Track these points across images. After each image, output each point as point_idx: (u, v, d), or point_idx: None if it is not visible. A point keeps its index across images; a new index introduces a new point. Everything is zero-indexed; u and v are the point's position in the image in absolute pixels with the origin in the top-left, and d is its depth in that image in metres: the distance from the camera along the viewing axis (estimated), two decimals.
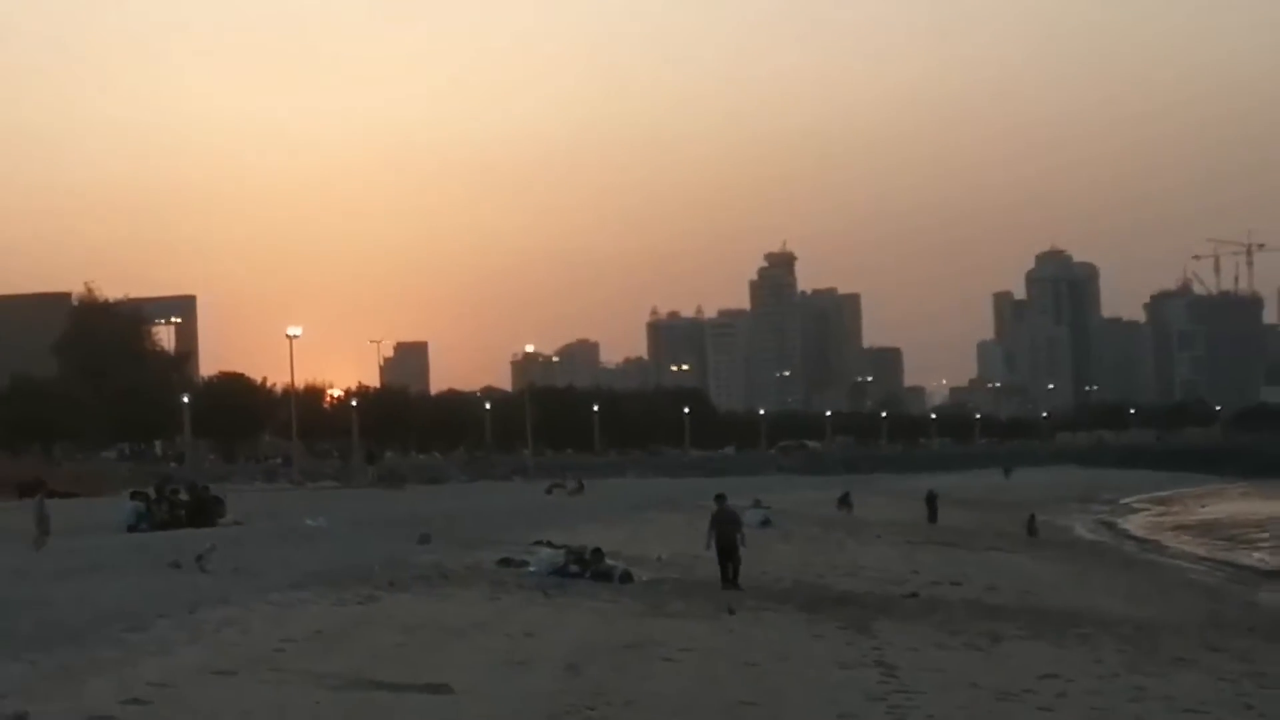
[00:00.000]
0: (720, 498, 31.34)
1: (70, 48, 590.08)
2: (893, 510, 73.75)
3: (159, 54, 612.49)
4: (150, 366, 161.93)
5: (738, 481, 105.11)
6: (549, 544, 33.83)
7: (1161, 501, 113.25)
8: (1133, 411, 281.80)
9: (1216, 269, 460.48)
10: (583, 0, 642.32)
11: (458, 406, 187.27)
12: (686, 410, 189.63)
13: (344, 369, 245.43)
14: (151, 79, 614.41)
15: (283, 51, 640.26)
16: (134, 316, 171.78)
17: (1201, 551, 61.73)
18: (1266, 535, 69.13)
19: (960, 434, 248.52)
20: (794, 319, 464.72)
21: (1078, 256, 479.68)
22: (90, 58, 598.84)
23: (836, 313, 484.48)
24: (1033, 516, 67.86)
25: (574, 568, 28.75)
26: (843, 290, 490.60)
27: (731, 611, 23.98)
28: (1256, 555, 58.39)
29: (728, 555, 29.35)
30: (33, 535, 33.34)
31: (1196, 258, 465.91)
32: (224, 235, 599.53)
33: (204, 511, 44.91)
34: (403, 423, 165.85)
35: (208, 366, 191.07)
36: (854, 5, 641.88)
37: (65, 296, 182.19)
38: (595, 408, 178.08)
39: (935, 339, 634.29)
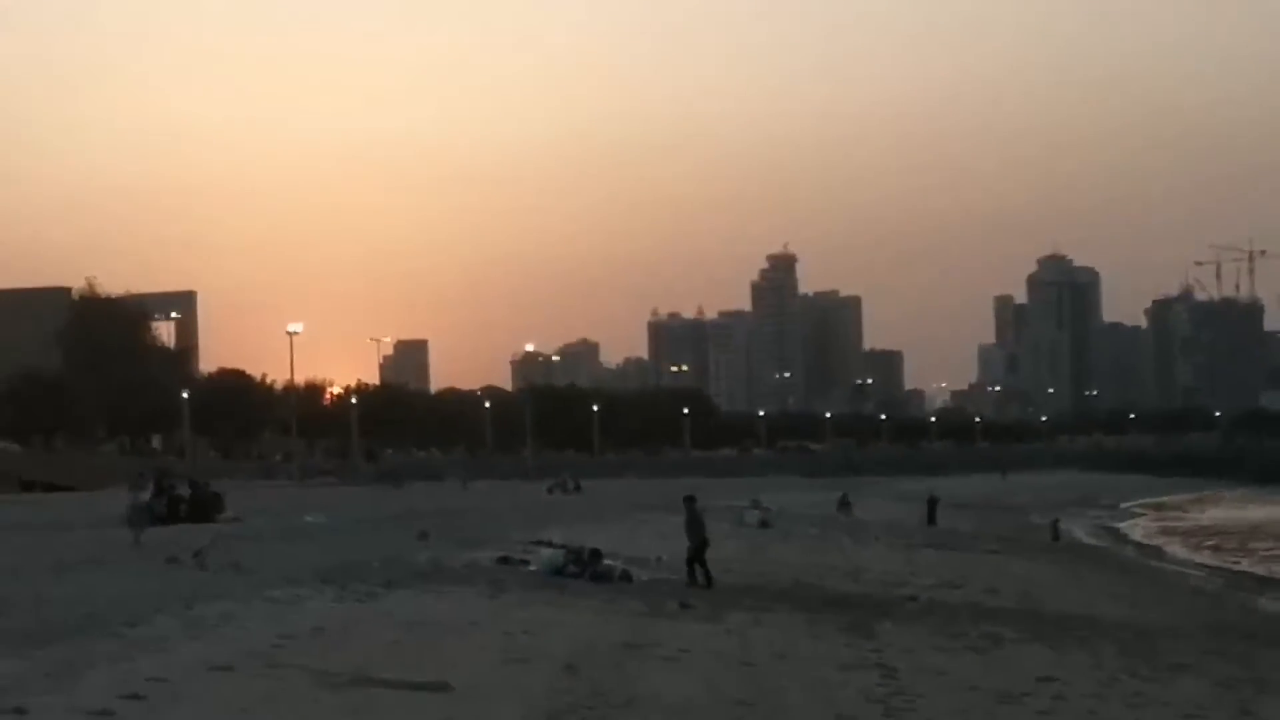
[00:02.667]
0: (690, 500, 30.83)
1: (72, 45, 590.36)
2: (892, 512, 73.71)
3: (162, 52, 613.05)
4: (150, 362, 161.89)
5: (737, 483, 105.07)
6: (549, 544, 33.84)
7: (1161, 506, 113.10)
8: (1133, 416, 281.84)
9: (1218, 275, 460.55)
10: (584, 7, 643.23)
11: (457, 405, 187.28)
12: (686, 411, 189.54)
13: (344, 366, 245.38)
14: (155, 78, 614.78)
15: (286, 53, 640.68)
16: (135, 312, 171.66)
17: (1201, 557, 61.64)
18: (1266, 541, 69.05)
19: (960, 437, 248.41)
20: (795, 321, 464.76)
21: (1079, 261, 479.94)
22: (93, 55, 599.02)
23: (837, 315, 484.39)
24: (1056, 522, 67.94)
25: (573, 568, 28.74)
26: (844, 292, 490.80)
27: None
28: (1256, 561, 58.31)
29: (698, 556, 29.27)
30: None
31: (1198, 263, 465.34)
32: (226, 231, 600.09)
33: (203, 508, 44.92)
34: (402, 421, 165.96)
35: (208, 362, 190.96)
36: (856, 9, 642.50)
37: (66, 291, 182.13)
38: (595, 408, 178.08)
39: (936, 342, 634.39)
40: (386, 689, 14.49)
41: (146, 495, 35.35)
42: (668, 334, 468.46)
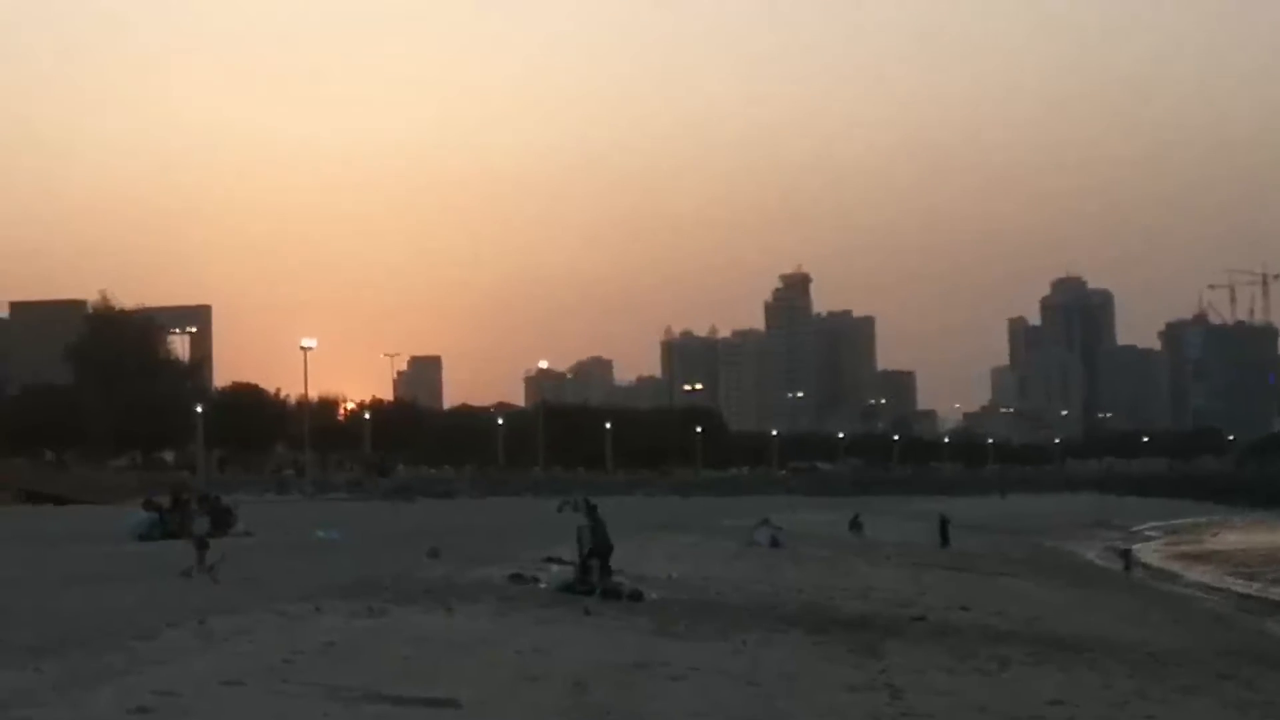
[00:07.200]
0: (592, 509, 31.55)
1: (85, 59, 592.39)
2: (903, 533, 73.56)
3: (176, 67, 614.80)
4: (164, 376, 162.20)
5: (748, 502, 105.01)
6: (560, 560, 33.82)
7: (1173, 530, 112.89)
8: (1146, 440, 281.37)
9: (1232, 298, 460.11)
10: (597, 23, 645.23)
11: (470, 422, 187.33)
12: (699, 430, 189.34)
13: (357, 382, 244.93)
14: (169, 91, 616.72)
15: (299, 67, 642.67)
16: (148, 325, 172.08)
17: (1212, 580, 61.52)
18: (1278, 566, 68.86)
19: (972, 459, 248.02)
20: (808, 340, 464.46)
21: (1093, 283, 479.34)
22: (107, 69, 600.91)
23: (850, 335, 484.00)
24: (1128, 551, 67.51)
25: (583, 586, 28.72)
26: (857, 313, 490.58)
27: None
28: (1267, 585, 58.16)
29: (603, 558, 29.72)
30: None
31: (1212, 287, 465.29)
32: (240, 246, 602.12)
33: (215, 521, 44.90)
34: (415, 437, 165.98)
35: (221, 377, 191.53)
36: (870, 28, 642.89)
37: (81, 304, 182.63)
38: (608, 426, 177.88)
39: (949, 363, 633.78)
40: (396, 705, 14.51)
41: (204, 526, 33.35)
42: (681, 352, 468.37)
